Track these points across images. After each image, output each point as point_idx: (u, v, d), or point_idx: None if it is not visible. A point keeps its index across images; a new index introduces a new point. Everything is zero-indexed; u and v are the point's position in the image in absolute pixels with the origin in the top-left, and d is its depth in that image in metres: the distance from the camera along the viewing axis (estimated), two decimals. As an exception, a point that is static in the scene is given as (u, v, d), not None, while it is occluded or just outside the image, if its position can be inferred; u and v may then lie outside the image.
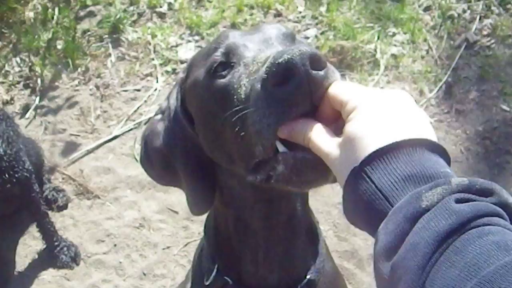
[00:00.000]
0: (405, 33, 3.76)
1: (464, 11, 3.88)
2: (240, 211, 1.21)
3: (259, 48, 0.99)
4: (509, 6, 3.91)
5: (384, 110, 0.75)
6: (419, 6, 3.93)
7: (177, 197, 2.96)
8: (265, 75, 0.82)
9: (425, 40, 3.74)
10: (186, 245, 2.78)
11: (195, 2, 4.03)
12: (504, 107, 3.36)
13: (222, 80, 0.99)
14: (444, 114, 3.34)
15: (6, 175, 2.47)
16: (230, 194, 1.20)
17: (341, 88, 0.81)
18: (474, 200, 0.64)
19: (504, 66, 3.58)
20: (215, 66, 1.01)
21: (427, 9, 3.93)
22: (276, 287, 1.28)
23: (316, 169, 0.84)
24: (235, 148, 0.97)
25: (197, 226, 2.80)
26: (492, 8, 3.90)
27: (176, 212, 2.91)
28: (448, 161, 0.73)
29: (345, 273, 2.64)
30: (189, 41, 3.76)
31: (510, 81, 3.49)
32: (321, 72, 0.81)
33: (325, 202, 2.91)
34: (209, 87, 1.02)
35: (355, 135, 0.74)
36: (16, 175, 2.50)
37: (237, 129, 0.91)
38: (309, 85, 0.80)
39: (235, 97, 0.93)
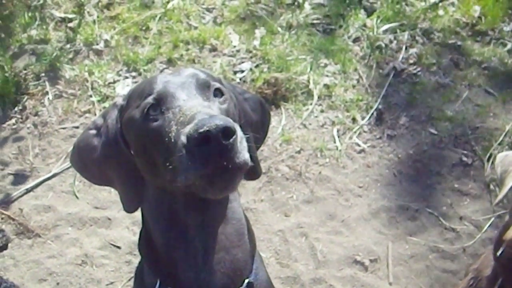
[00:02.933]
0: (336, 64, 3.90)
1: (391, 42, 4.06)
2: (171, 218, 1.35)
3: (184, 98, 1.26)
4: (432, 36, 4.12)
5: None
6: (349, 38, 4.08)
7: (119, 232, 2.97)
8: (189, 135, 1.11)
9: (355, 70, 3.88)
10: (129, 279, 2.78)
11: (132, 39, 4.08)
12: (432, 130, 3.52)
13: (155, 123, 1.25)
14: (377, 140, 3.47)
15: None
16: (159, 205, 1.37)
17: None
18: None
19: (430, 92, 3.76)
20: (148, 107, 1.26)
21: (356, 40, 4.09)
22: None
23: (226, 180, 1.15)
24: (164, 173, 1.22)
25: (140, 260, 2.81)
26: (417, 38, 4.10)
27: (119, 247, 2.92)
28: None
29: (287, 299, 2.70)
30: (127, 77, 3.79)
31: (436, 106, 3.67)
32: (230, 140, 1.11)
33: (266, 230, 2.97)
34: (144, 126, 1.27)
35: None
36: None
37: (167, 163, 1.18)
38: (220, 149, 1.10)
39: (166, 138, 1.19)
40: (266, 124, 1.59)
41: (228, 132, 1.10)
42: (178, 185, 1.18)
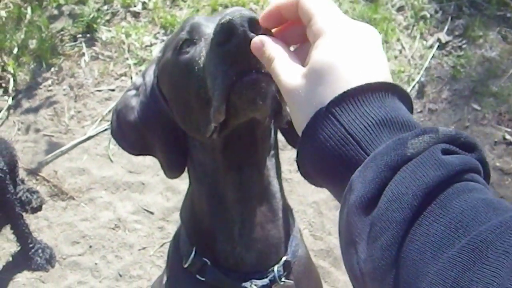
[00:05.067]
0: (378, 33, 3.78)
1: (436, 12, 3.92)
2: (213, 184, 1.26)
3: None
4: (480, 7, 3.97)
5: (355, 43, 0.69)
6: (392, 7, 3.96)
7: (152, 197, 2.96)
8: (212, 36, 0.90)
9: (398, 40, 3.77)
10: (162, 245, 2.78)
11: (170, 1, 4.02)
12: (476, 106, 3.41)
13: (186, 56, 1.08)
14: (417, 113, 3.37)
15: (-21, 177, 2.44)
16: (202, 168, 1.27)
17: (312, 2, 0.74)
18: (459, 153, 0.58)
19: (475, 66, 3.63)
20: (181, 43, 1.10)
21: (400, 9, 3.96)
22: (253, 267, 1.30)
23: (255, 89, 0.93)
24: (200, 116, 1.07)
25: (172, 226, 2.80)
26: (464, 9, 3.95)
27: (152, 213, 2.91)
28: (411, 110, 0.68)
29: (320, 272, 2.64)
30: (163, 41, 3.74)
31: (481, 81, 3.54)
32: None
33: (300, 201, 2.92)
34: (176, 63, 1.11)
35: (321, 67, 0.66)
36: (-10, 177, 2.47)
37: (199, 97, 1.02)
38: (247, 44, 0.84)
39: (196, 68, 1.01)
40: None
41: (255, 24, 0.86)
42: (212, 123, 1.01)
